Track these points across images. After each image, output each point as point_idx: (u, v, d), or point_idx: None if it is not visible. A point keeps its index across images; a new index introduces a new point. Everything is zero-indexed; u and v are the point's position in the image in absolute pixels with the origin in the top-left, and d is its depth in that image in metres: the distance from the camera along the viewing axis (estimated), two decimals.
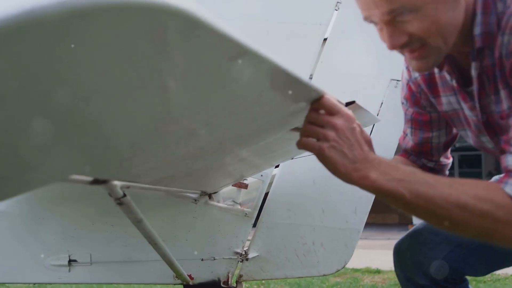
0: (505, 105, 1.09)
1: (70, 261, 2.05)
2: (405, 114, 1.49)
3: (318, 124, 1.00)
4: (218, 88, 0.72)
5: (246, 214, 2.10)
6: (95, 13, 0.39)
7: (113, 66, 0.49)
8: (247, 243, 2.17)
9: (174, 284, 2.17)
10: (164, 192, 1.96)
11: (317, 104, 0.99)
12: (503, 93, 1.09)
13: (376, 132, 2.03)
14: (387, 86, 2.06)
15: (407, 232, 1.71)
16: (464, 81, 1.21)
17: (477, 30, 1.06)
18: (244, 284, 2.22)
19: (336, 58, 2.17)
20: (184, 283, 2.09)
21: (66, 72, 0.47)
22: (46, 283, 3.04)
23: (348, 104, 1.12)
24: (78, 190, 1.94)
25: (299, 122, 1.06)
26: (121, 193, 1.16)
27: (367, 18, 1.08)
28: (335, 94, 2.10)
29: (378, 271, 4.65)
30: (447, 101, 1.31)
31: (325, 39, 2.17)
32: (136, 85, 0.56)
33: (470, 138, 1.33)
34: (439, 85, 1.29)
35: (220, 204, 2.08)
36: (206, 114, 0.83)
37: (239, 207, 2.11)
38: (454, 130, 1.48)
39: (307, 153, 1.70)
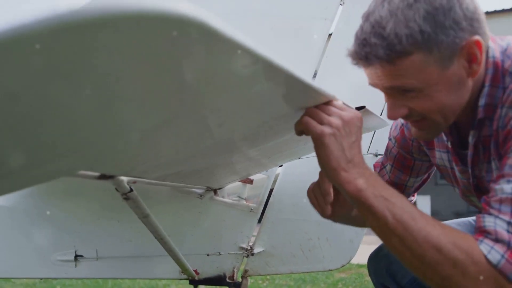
0: (495, 174, 1.08)
1: (76, 256, 2.05)
2: (390, 151, 1.46)
3: (326, 111, 0.94)
4: (231, 93, 0.72)
5: (251, 209, 2.11)
6: (114, 22, 0.41)
7: (128, 68, 0.50)
8: (253, 238, 2.17)
9: (180, 279, 2.18)
10: (170, 187, 1.96)
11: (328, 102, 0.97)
12: (494, 163, 1.09)
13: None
14: None
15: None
16: (460, 142, 1.21)
17: (482, 101, 1.05)
18: (249, 279, 2.23)
19: (341, 53, 2.16)
20: (190, 278, 2.10)
21: (83, 74, 0.48)
22: (52, 278, 3.06)
23: (358, 108, 1.08)
24: (85, 186, 1.95)
25: None
26: (127, 188, 1.16)
27: (371, 85, 1.08)
28: (340, 89, 2.10)
29: None
30: (439, 156, 1.30)
31: (330, 35, 2.17)
32: (149, 87, 0.57)
33: (458, 192, 1.34)
34: (435, 139, 1.28)
35: (226, 200, 2.08)
36: (217, 117, 0.83)
37: (245, 202, 2.12)
38: (427, 176, 1.48)
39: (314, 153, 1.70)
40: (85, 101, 0.53)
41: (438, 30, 0.94)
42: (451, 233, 0.91)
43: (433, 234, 0.90)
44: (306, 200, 2.06)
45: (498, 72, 1.04)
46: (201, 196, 2.03)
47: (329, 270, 2.20)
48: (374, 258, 1.65)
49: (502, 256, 0.88)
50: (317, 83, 0.86)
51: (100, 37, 0.42)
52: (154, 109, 0.65)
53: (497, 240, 0.89)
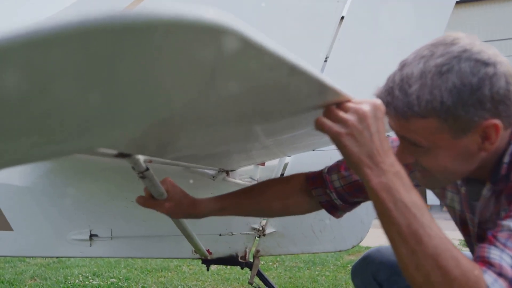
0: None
1: (91, 235, 2.10)
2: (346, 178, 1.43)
3: (342, 108, 0.94)
4: (254, 90, 0.74)
5: None
6: (149, 29, 0.45)
7: (159, 65, 0.53)
8: (263, 221, 2.20)
9: (193, 259, 2.21)
10: (183, 169, 1.99)
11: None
12: (503, 213, 1.08)
13: None
14: None
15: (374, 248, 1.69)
16: (473, 193, 1.20)
17: (507, 158, 1.06)
18: (260, 260, 2.26)
19: (353, 37, 2.16)
20: (203, 257, 2.14)
21: (118, 66, 0.51)
22: (68, 257, 3.11)
23: None
24: (100, 167, 1.99)
25: None
26: (144, 166, 1.19)
27: (389, 125, 1.09)
28: (352, 73, 2.11)
29: None
30: (451, 197, 1.30)
31: (342, 18, 2.17)
32: (178, 82, 0.60)
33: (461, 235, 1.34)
34: None
35: (238, 181, 2.11)
36: (237, 111, 0.85)
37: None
38: None
39: (328, 147, 1.70)
40: (114, 88, 0.56)
41: (459, 105, 0.95)
42: (461, 259, 0.88)
43: (443, 256, 0.87)
44: None
45: None
46: (213, 177, 2.06)
47: (340, 250, 2.23)
48: (362, 263, 1.65)
49: None
50: (333, 80, 0.86)
51: (137, 38, 0.46)
52: (179, 101, 0.68)
53: (501, 274, 0.88)
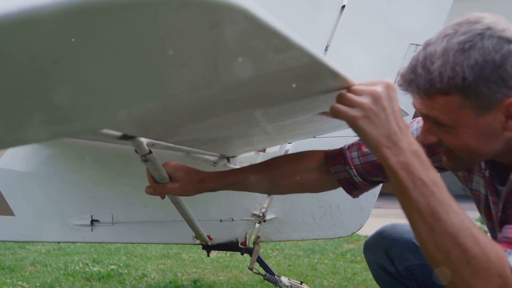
0: None
1: (92, 221, 2.11)
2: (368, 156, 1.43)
3: (355, 91, 0.95)
4: (259, 74, 0.74)
5: None
6: (157, 5, 0.45)
7: (164, 44, 0.54)
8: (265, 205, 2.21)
9: (193, 244, 2.22)
10: (184, 155, 2.00)
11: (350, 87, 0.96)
12: None
13: None
14: (406, 51, 2.05)
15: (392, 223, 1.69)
16: (498, 177, 1.19)
17: None
18: (260, 246, 2.27)
19: (353, 24, 2.16)
20: (203, 243, 2.15)
21: (122, 45, 0.52)
22: (69, 242, 3.13)
23: None
24: (101, 153, 1.99)
25: (328, 107, 1.02)
26: (147, 150, 1.19)
27: (413, 105, 1.11)
28: (354, 60, 2.11)
29: None
30: (477, 180, 1.29)
31: (343, 7, 2.16)
32: (182, 61, 0.60)
33: (485, 223, 1.32)
34: None
35: (239, 167, 2.11)
36: (242, 94, 0.85)
37: None
38: None
39: (329, 134, 1.69)
40: (120, 68, 0.57)
41: (480, 81, 0.96)
42: (482, 239, 0.88)
43: (462, 234, 0.87)
44: None
45: None
46: (214, 163, 2.07)
47: (340, 237, 2.25)
48: (375, 237, 1.66)
49: None
50: (337, 65, 0.86)
51: (143, 15, 0.46)
52: (181, 80, 0.68)
53: None
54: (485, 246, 0.88)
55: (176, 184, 1.42)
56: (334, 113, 0.97)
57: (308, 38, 2.15)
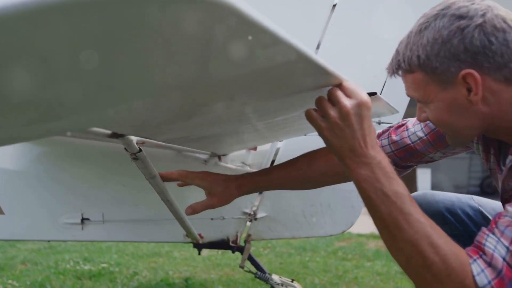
0: None
1: (83, 219, 2.10)
2: (429, 124, 1.46)
3: (331, 99, 0.99)
4: (246, 69, 0.74)
5: None
6: (145, 2, 0.45)
7: (151, 39, 0.53)
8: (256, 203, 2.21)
9: (184, 243, 2.22)
10: (175, 153, 1.99)
11: (339, 85, 0.99)
12: None
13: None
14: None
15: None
16: (503, 156, 1.22)
17: None
18: (252, 244, 2.27)
19: (345, 24, 2.16)
20: (194, 241, 2.15)
21: (108, 42, 0.52)
22: (59, 241, 3.12)
23: (369, 94, 1.10)
24: (92, 151, 1.99)
25: None
26: (137, 148, 1.19)
27: None
28: (345, 58, 2.11)
29: None
30: (492, 159, 1.30)
31: (334, 5, 2.16)
32: (167, 57, 0.60)
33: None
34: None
35: (230, 165, 2.11)
36: (230, 90, 0.85)
37: (248, 168, 2.15)
38: (444, 156, 1.49)
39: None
40: (107, 67, 0.57)
41: (432, 57, 1.03)
42: (443, 246, 0.91)
43: (421, 242, 0.91)
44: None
45: None
46: (205, 161, 2.06)
47: (331, 235, 2.25)
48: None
49: (489, 282, 0.89)
50: (326, 62, 0.87)
51: (128, 12, 0.46)
52: (170, 77, 0.68)
53: (490, 264, 0.90)
54: (445, 254, 0.91)
55: (214, 199, 1.48)
56: (307, 117, 1.02)
57: (300, 35, 2.15)
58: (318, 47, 2.16)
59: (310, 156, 1.55)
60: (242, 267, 2.19)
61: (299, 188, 1.77)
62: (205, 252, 3.79)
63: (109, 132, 1.00)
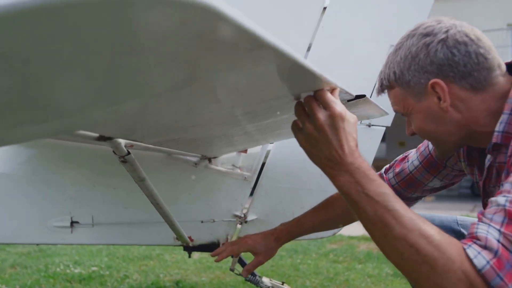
0: None
1: (72, 222, 2.09)
2: (424, 149, 1.55)
3: (308, 110, 1.01)
4: (233, 72, 0.74)
5: (245, 177, 2.14)
6: (126, 4, 0.44)
7: (135, 41, 0.53)
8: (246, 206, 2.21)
9: (175, 246, 2.21)
10: (166, 156, 1.99)
11: (315, 94, 1.01)
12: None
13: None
14: (387, 52, 2.05)
15: None
16: (482, 160, 1.29)
17: (500, 127, 1.12)
18: None
19: (335, 27, 2.17)
20: (184, 244, 2.14)
21: (93, 44, 0.51)
22: (48, 244, 3.10)
23: (358, 97, 1.17)
24: (81, 153, 1.97)
25: None
26: (125, 151, 1.18)
27: None
28: (335, 61, 2.12)
29: None
30: (476, 172, 1.36)
31: (324, 8, 2.17)
32: (154, 60, 0.59)
33: None
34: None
35: (220, 168, 2.11)
36: (218, 93, 0.85)
37: (239, 171, 2.14)
38: (450, 183, 1.58)
39: None
40: (91, 70, 0.56)
41: (405, 72, 1.16)
42: (435, 237, 0.92)
43: (412, 234, 0.92)
44: (299, 168, 2.09)
45: None
46: (196, 164, 2.06)
47: (322, 237, 2.25)
48: None
49: (488, 262, 0.88)
50: (315, 66, 0.87)
51: (114, 14, 0.46)
52: (157, 80, 0.67)
53: (486, 247, 0.90)
54: (438, 243, 0.91)
55: (260, 256, 1.74)
56: (291, 128, 1.07)
57: (291, 37, 2.16)
58: (309, 49, 2.16)
59: (330, 200, 1.76)
60: (232, 270, 2.18)
61: (332, 228, 1.98)
62: (196, 254, 3.78)
63: (96, 135, 1.00)
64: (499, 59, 1.16)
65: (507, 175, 1.04)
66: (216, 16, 0.51)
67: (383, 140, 2.25)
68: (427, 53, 1.12)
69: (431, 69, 1.13)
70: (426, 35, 1.13)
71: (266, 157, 2.20)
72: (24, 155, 2.01)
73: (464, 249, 0.91)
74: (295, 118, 1.06)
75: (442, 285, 0.89)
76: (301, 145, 1.04)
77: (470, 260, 0.89)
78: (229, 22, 0.53)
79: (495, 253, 0.89)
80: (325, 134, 0.99)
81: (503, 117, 1.12)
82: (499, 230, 0.91)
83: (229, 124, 1.27)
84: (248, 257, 3.83)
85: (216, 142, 1.69)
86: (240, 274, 2.02)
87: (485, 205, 1.24)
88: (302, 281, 3.18)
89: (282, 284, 2.14)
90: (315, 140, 1.00)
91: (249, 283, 2.18)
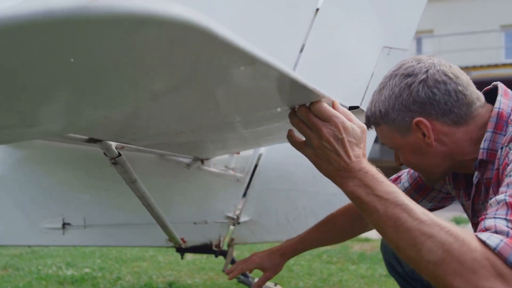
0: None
1: (64, 224, 2.08)
2: (412, 172, 1.61)
3: (308, 123, 1.01)
4: (226, 86, 0.74)
5: (238, 179, 2.14)
6: (115, 22, 0.45)
7: (127, 57, 0.53)
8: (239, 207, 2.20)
9: (167, 247, 2.21)
10: (157, 157, 1.98)
11: (311, 106, 1.00)
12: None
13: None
14: (380, 53, 2.06)
15: None
16: (468, 182, 1.35)
17: (485, 144, 1.19)
18: (236, 247, 2.27)
19: (327, 28, 2.17)
20: (177, 246, 2.13)
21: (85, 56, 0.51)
22: (40, 246, 3.08)
23: (351, 108, 1.16)
24: (73, 155, 1.97)
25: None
26: (116, 153, 1.18)
27: None
28: (327, 64, 2.12)
29: (367, 240, 4.73)
30: (462, 195, 1.42)
31: (317, 9, 2.17)
32: (147, 74, 0.59)
33: None
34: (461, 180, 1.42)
35: (213, 169, 2.11)
36: (210, 104, 0.85)
37: (232, 172, 2.14)
38: (440, 205, 1.65)
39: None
40: (84, 75, 0.56)
41: (390, 111, 1.24)
42: (444, 224, 0.92)
43: (425, 224, 0.92)
44: (292, 170, 2.08)
45: (502, 121, 1.20)
46: (188, 165, 2.05)
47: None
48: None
49: (501, 240, 0.88)
50: (307, 79, 0.86)
51: (103, 30, 0.45)
52: (148, 89, 0.67)
53: (496, 231, 0.91)
54: (451, 230, 0.91)
55: (267, 273, 1.79)
56: (292, 144, 1.08)
57: (284, 38, 2.15)
58: (301, 50, 2.16)
59: (330, 218, 1.81)
60: (224, 271, 2.18)
61: (334, 243, 2.03)
62: (189, 256, 3.77)
63: (86, 137, 0.99)
64: (477, 92, 1.23)
65: (499, 185, 1.06)
66: (205, 36, 0.51)
67: (376, 141, 2.25)
68: (409, 93, 1.20)
69: (414, 108, 1.20)
70: (408, 75, 1.21)
71: (258, 158, 2.19)
72: (15, 157, 2.00)
73: (476, 235, 0.91)
74: (287, 125, 1.06)
75: (461, 270, 0.88)
76: (310, 159, 1.05)
77: (483, 242, 0.89)
78: (219, 41, 0.53)
79: (507, 234, 0.90)
80: (333, 146, 1.00)
81: (487, 135, 1.19)
82: (505, 219, 0.93)
83: (221, 130, 1.27)
84: (240, 258, 3.82)
85: (209, 145, 1.69)
86: (241, 282, 2.03)
87: (474, 225, 1.27)
88: (296, 282, 3.18)
89: (275, 285, 2.14)
90: (324, 153, 1.01)
91: (242, 284, 2.18)
